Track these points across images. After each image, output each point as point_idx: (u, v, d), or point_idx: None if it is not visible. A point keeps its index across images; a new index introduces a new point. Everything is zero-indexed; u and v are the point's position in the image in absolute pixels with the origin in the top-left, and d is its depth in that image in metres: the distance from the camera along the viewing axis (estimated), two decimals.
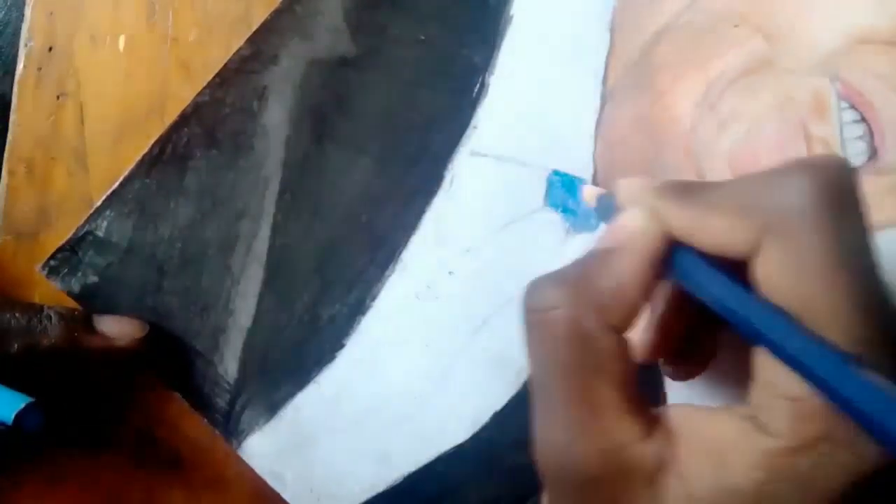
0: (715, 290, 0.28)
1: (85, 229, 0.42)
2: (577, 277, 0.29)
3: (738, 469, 0.25)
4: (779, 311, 0.25)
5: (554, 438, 0.27)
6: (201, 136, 0.41)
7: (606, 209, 0.36)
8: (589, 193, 0.38)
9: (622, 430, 0.26)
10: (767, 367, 0.26)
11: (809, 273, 0.24)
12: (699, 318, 0.32)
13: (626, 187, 0.31)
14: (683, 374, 0.35)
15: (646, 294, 0.29)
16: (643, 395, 0.28)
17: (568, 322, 0.28)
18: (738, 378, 0.29)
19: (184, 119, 0.41)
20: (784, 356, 0.25)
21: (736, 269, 0.28)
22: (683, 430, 0.27)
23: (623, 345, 0.28)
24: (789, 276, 0.25)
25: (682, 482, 0.26)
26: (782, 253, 0.25)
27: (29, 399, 0.37)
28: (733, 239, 0.26)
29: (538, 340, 0.28)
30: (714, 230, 0.27)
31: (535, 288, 0.30)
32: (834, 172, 0.26)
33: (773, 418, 0.25)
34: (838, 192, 0.25)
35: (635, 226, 0.29)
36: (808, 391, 0.24)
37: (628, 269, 0.28)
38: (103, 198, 0.42)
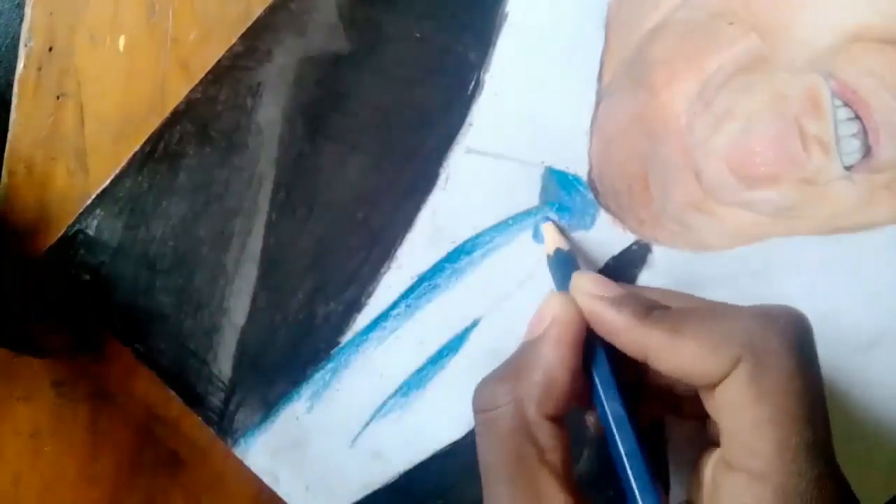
0: (606, 401, 0.31)
1: (75, 228, 0.42)
2: (514, 372, 0.31)
3: None
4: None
5: None
6: (194, 134, 0.41)
7: (560, 264, 0.37)
8: (550, 240, 0.39)
9: None
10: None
11: (779, 412, 0.26)
12: None
13: (580, 287, 0.33)
14: None
15: (574, 380, 0.31)
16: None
17: (509, 419, 0.30)
18: None
19: (176, 116, 0.41)
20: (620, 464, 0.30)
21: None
22: None
23: (560, 434, 0.30)
24: (757, 409, 0.27)
25: None
26: (753, 387, 0.27)
27: None
28: (703, 368, 0.28)
29: (486, 439, 0.31)
30: (684, 357, 0.28)
31: (481, 388, 0.32)
32: (803, 326, 0.28)
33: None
34: (809, 345, 0.28)
35: (555, 315, 0.31)
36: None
37: (552, 358, 0.30)
38: (93, 196, 0.42)
